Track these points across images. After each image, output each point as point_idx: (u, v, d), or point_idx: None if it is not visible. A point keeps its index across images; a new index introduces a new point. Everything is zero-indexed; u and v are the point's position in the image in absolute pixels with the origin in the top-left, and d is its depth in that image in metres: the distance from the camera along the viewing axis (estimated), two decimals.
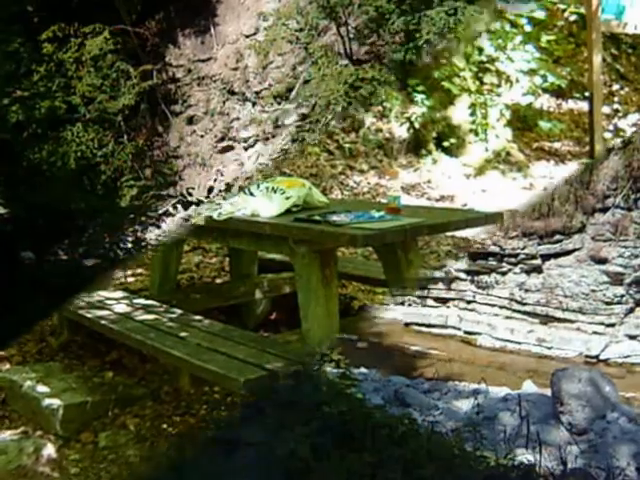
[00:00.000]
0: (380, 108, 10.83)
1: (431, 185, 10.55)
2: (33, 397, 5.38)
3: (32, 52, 8.05)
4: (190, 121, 10.69)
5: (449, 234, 8.24)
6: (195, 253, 9.26)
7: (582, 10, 10.30)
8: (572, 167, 9.65)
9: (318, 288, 5.70)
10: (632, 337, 6.66)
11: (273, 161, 9.69)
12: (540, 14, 11.67)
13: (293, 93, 9.69)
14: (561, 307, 6.92)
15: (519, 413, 4.63)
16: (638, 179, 7.03)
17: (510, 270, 7.32)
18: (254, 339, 5.70)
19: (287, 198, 6.12)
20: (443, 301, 7.58)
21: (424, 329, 7.34)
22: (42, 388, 5.41)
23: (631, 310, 6.81)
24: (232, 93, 10.44)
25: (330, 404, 3.46)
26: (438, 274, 7.64)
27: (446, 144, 11.07)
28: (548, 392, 4.96)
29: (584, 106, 10.72)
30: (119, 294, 6.92)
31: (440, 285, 7.65)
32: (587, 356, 6.55)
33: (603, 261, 6.89)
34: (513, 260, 7.28)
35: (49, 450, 4.95)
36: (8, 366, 5.90)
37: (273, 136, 9.84)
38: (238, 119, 10.34)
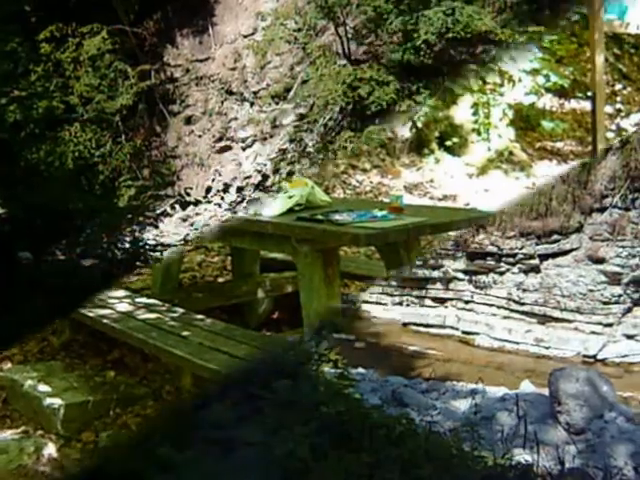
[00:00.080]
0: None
1: (434, 184, 10.55)
2: (34, 396, 5.38)
3: (30, 52, 8.04)
4: (188, 121, 10.68)
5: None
6: (197, 252, 9.26)
7: (584, 10, 10.30)
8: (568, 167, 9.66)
9: (320, 287, 5.72)
10: (630, 337, 6.67)
11: (271, 161, 9.69)
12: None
13: (291, 93, 9.69)
14: (559, 307, 6.92)
15: (516, 413, 4.64)
16: (636, 179, 7.03)
17: (508, 270, 7.32)
18: (256, 338, 5.71)
19: (290, 197, 6.13)
20: (441, 301, 7.58)
21: (422, 329, 7.34)
22: (43, 387, 5.41)
23: (629, 310, 6.82)
24: (230, 93, 10.43)
25: (328, 404, 3.46)
26: (436, 274, 7.65)
27: (449, 143, 11.08)
28: (546, 392, 4.97)
29: (587, 106, 10.72)
30: (121, 293, 6.92)
31: (438, 285, 7.66)
32: (585, 356, 6.55)
33: (601, 261, 6.89)
34: (511, 260, 7.28)
35: (50, 449, 4.96)
36: (9, 365, 5.90)
37: (271, 136, 9.84)
38: (236, 119, 10.34)
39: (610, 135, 9.90)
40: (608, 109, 10.27)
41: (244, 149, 10.50)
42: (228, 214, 10.17)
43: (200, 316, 6.20)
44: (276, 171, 9.87)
